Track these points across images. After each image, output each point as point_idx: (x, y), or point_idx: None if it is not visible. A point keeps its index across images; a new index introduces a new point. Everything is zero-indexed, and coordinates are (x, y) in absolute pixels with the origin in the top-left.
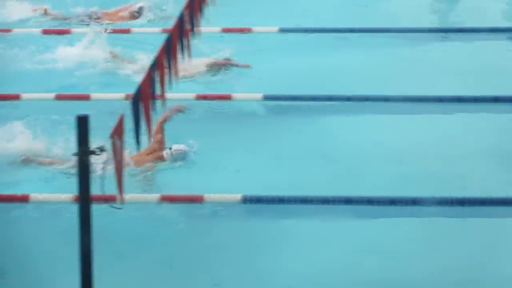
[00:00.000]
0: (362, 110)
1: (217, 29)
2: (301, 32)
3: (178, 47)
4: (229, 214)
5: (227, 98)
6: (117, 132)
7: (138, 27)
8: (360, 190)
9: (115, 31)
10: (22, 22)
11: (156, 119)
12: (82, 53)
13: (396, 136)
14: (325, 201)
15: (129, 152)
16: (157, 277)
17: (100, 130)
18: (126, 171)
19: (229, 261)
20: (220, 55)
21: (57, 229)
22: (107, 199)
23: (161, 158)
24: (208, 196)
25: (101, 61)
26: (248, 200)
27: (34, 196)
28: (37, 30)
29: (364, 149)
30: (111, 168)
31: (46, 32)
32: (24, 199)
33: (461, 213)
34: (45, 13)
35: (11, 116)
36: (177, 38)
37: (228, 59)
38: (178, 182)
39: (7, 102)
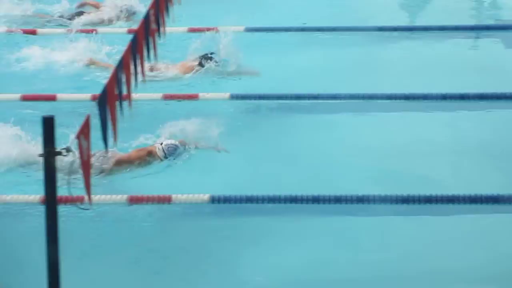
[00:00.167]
0: (329, 109)
1: (184, 29)
2: (267, 31)
3: (144, 47)
4: (197, 214)
5: (194, 97)
6: (83, 133)
7: (103, 27)
8: (327, 189)
9: (82, 31)
10: None
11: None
12: (49, 55)
13: (365, 134)
14: (293, 200)
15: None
16: (126, 278)
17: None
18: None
19: (198, 261)
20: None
21: (25, 230)
22: (75, 200)
23: (152, 155)
24: (176, 196)
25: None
26: (216, 200)
27: (1, 197)
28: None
29: (332, 148)
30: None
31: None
32: None
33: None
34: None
35: None
36: (143, 38)
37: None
38: (147, 182)
39: None
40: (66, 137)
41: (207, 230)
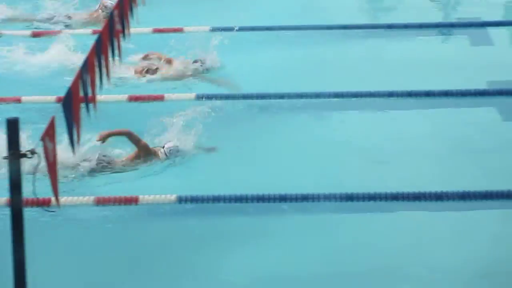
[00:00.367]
0: (296, 108)
1: (149, 29)
2: (233, 31)
3: (109, 48)
4: (164, 214)
5: (160, 99)
6: (48, 135)
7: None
8: (295, 187)
9: (41, 33)
10: None
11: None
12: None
13: (331, 132)
14: (260, 199)
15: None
16: (93, 278)
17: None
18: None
19: (166, 261)
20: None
21: None
22: (41, 203)
23: (156, 156)
24: (143, 197)
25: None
26: (183, 200)
27: None
28: None
29: (299, 146)
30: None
31: None
32: None
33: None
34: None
35: None
36: (108, 39)
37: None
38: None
39: None
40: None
41: (175, 231)
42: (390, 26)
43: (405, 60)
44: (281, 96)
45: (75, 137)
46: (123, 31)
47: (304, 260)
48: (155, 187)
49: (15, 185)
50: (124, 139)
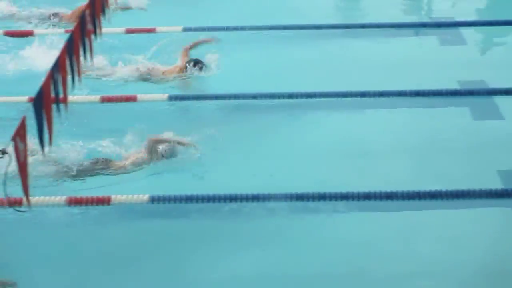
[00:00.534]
0: (268, 108)
1: (121, 30)
2: (205, 31)
3: (81, 48)
4: (136, 215)
5: (132, 99)
6: (19, 135)
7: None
8: (268, 188)
9: (13, 34)
10: None
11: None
12: None
13: (305, 133)
14: (233, 198)
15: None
16: (65, 280)
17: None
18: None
19: (139, 262)
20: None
21: None
22: (12, 203)
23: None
24: (115, 197)
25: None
26: (155, 200)
27: None
28: None
29: (271, 146)
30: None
31: None
32: None
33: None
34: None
35: None
36: (79, 39)
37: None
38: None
39: None
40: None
41: (147, 231)
42: (363, 26)
43: (378, 60)
44: (254, 97)
45: (46, 137)
46: (94, 31)
47: (278, 260)
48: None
49: None
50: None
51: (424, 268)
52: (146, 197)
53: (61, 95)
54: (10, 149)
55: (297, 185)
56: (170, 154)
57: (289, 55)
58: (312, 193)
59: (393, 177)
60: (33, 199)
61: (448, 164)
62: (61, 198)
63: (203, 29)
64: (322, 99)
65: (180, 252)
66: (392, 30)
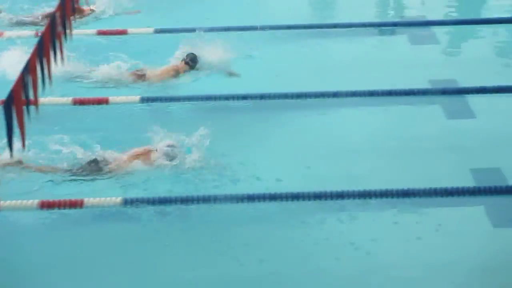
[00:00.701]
0: (240, 108)
1: (93, 31)
2: (177, 32)
3: (51, 50)
4: (109, 217)
5: (104, 101)
6: None
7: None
8: (238, 188)
9: None
10: None
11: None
12: None
13: (273, 134)
14: (207, 199)
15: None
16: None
17: None
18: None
19: (112, 264)
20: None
21: None
22: None
23: (150, 159)
24: (88, 200)
25: None
26: (128, 203)
27: None
28: None
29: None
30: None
31: None
32: None
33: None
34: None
35: None
36: (49, 41)
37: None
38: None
39: None
40: None
41: (121, 233)
42: (335, 26)
43: (349, 60)
44: (226, 98)
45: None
46: (64, 33)
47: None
48: None
49: None
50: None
51: (399, 268)
52: (119, 199)
53: (31, 97)
54: None
55: (270, 186)
56: (173, 156)
57: (261, 55)
58: (286, 193)
59: (366, 176)
60: (5, 203)
61: (420, 163)
62: (34, 202)
63: (174, 31)
64: (294, 100)
65: (152, 254)
66: (364, 29)
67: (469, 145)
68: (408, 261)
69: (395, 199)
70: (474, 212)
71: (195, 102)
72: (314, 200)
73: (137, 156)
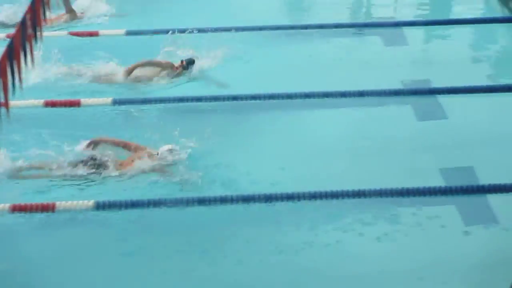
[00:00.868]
0: (214, 110)
1: (64, 32)
2: (149, 34)
3: (21, 52)
4: (82, 221)
5: (75, 104)
6: None
7: None
8: (212, 190)
9: None
10: None
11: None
12: None
13: (249, 135)
14: (179, 202)
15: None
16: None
17: None
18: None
19: (82, 269)
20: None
21: None
22: None
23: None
24: (60, 203)
25: None
26: (101, 206)
27: None
28: None
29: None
30: None
31: None
32: None
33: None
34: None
35: None
36: (19, 43)
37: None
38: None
39: None
40: None
41: (92, 237)
42: (306, 27)
43: (320, 61)
44: (198, 99)
45: None
46: (35, 35)
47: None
48: None
49: None
50: None
51: (365, 268)
52: (91, 203)
53: (2, 100)
54: None
55: (243, 187)
56: (174, 159)
57: (233, 57)
58: (258, 195)
59: (337, 177)
60: None
61: (393, 163)
62: (5, 206)
63: (146, 32)
64: (266, 101)
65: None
66: (335, 30)
67: (440, 145)
68: (379, 261)
69: (368, 199)
70: (445, 212)
71: (168, 104)
72: (288, 201)
73: (138, 159)
